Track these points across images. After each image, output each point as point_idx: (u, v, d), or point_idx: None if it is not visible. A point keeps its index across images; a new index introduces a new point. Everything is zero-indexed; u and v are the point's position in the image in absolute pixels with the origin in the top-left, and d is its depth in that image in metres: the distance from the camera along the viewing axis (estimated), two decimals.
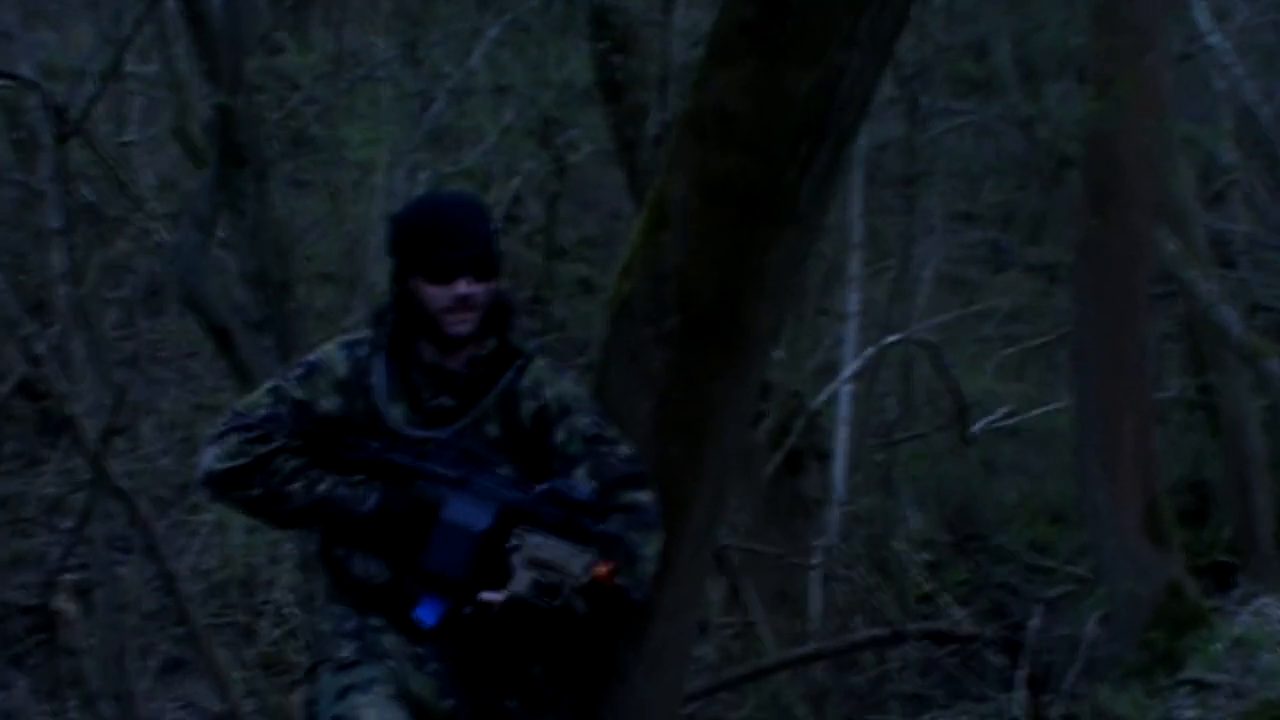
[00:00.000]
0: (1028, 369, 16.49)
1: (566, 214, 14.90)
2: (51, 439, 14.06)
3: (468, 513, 3.87)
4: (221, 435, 3.94)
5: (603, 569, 3.79)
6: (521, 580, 3.79)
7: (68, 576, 11.63)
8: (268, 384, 4.05)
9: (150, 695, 12.42)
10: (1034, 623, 7.13)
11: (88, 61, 10.09)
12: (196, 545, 13.38)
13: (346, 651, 3.96)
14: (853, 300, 13.09)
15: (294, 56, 12.74)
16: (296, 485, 3.91)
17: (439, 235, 3.92)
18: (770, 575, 11.59)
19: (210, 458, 3.93)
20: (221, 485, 3.95)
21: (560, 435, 3.97)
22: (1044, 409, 14.51)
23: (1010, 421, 14.60)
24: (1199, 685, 8.66)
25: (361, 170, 13.17)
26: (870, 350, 12.30)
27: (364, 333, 4.06)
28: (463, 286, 3.90)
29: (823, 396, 12.91)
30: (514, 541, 3.82)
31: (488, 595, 3.80)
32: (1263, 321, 14.45)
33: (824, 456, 12.43)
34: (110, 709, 10.31)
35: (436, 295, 3.91)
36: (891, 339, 11.96)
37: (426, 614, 3.88)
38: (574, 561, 3.80)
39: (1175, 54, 13.08)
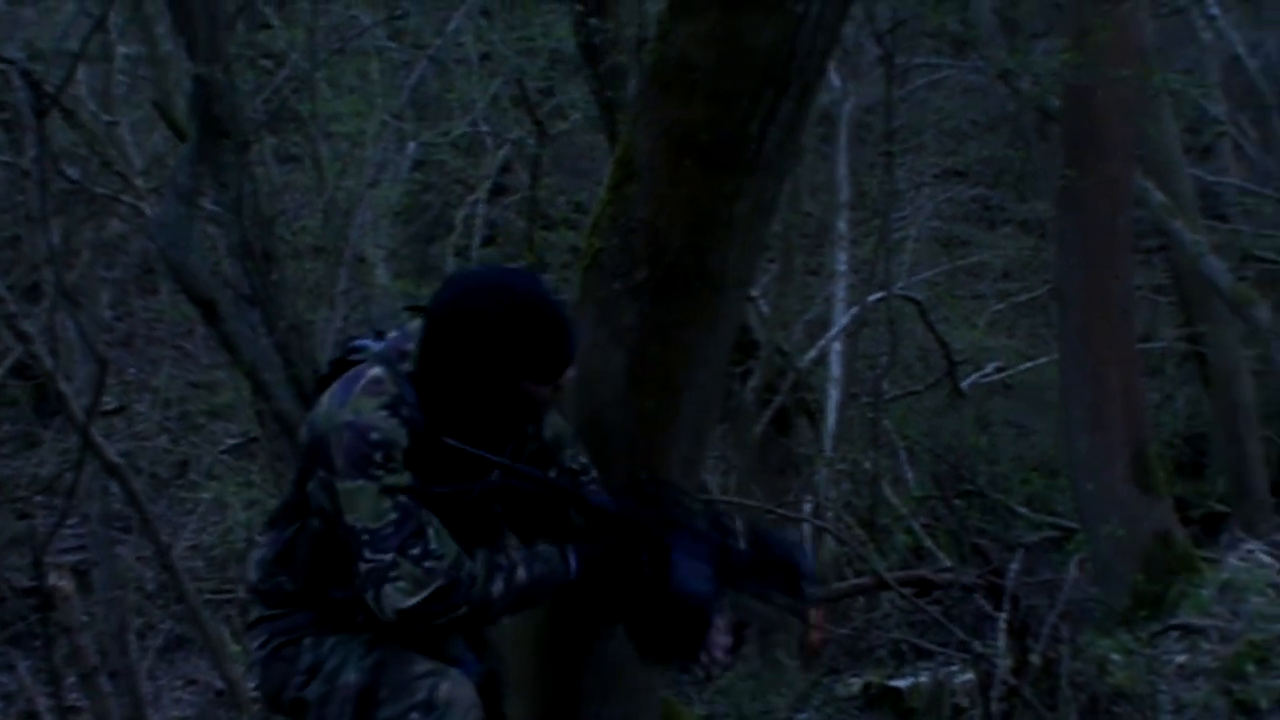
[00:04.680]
0: (1019, 325, 16.51)
1: (558, 183, 14.90)
2: (47, 420, 14.09)
3: (695, 576, 3.74)
4: (391, 568, 3.58)
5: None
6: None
7: (67, 556, 11.65)
8: (368, 487, 3.60)
9: (151, 673, 12.48)
10: (1014, 567, 7.16)
11: (65, 39, 10.08)
12: (194, 522, 13.44)
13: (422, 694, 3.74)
14: (841, 259, 13.12)
15: (279, 31, 12.72)
16: (497, 584, 3.68)
17: (556, 339, 3.66)
18: None
19: (395, 595, 3.58)
20: (423, 617, 3.61)
21: (553, 474, 3.90)
22: (1034, 363, 14.56)
23: (1000, 376, 14.64)
24: (1187, 630, 8.69)
25: (349, 142, 13.15)
26: (855, 309, 12.33)
27: (391, 385, 3.70)
28: (568, 374, 3.73)
29: (811, 355, 12.95)
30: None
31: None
32: (1255, 272, 14.47)
33: (813, 414, 12.45)
34: (110, 687, 10.34)
35: (541, 392, 3.70)
36: (876, 296, 11.96)
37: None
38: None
39: (1163, 6, 13.09)
